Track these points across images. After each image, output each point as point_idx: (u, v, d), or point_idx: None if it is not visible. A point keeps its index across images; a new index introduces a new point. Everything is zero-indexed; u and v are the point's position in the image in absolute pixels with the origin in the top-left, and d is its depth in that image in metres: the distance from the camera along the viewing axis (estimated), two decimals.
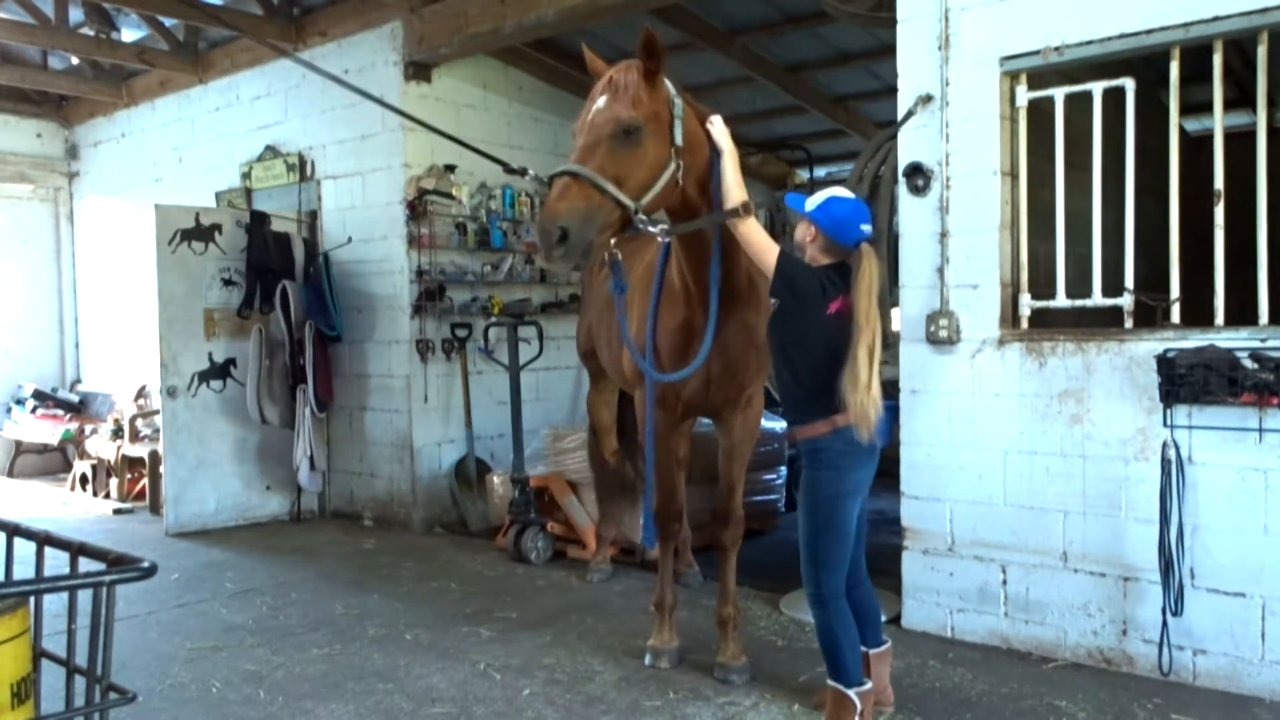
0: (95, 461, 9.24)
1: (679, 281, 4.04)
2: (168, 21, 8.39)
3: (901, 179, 4.86)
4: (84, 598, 1.78)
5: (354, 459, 7.94)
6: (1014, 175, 4.63)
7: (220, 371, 7.76)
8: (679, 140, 3.57)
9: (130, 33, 8.88)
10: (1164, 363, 4.00)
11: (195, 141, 9.26)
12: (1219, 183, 4.12)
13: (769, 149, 10.38)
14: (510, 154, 8.07)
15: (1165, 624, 4.09)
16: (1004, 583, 4.59)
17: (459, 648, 4.73)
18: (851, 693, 3.50)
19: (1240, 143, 4.25)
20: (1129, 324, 4.34)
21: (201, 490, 7.64)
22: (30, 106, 10.69)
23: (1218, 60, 4.12)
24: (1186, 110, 4.45)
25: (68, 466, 10.02)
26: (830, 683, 3.55)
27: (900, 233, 4.90)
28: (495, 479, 7.16)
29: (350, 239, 7.72)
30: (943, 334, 4.70)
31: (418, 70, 7.35)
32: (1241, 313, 4.15)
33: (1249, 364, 3.85)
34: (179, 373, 7.57)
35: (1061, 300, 4.56)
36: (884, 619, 4.51)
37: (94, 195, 10.75)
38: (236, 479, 7.83)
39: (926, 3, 4.74)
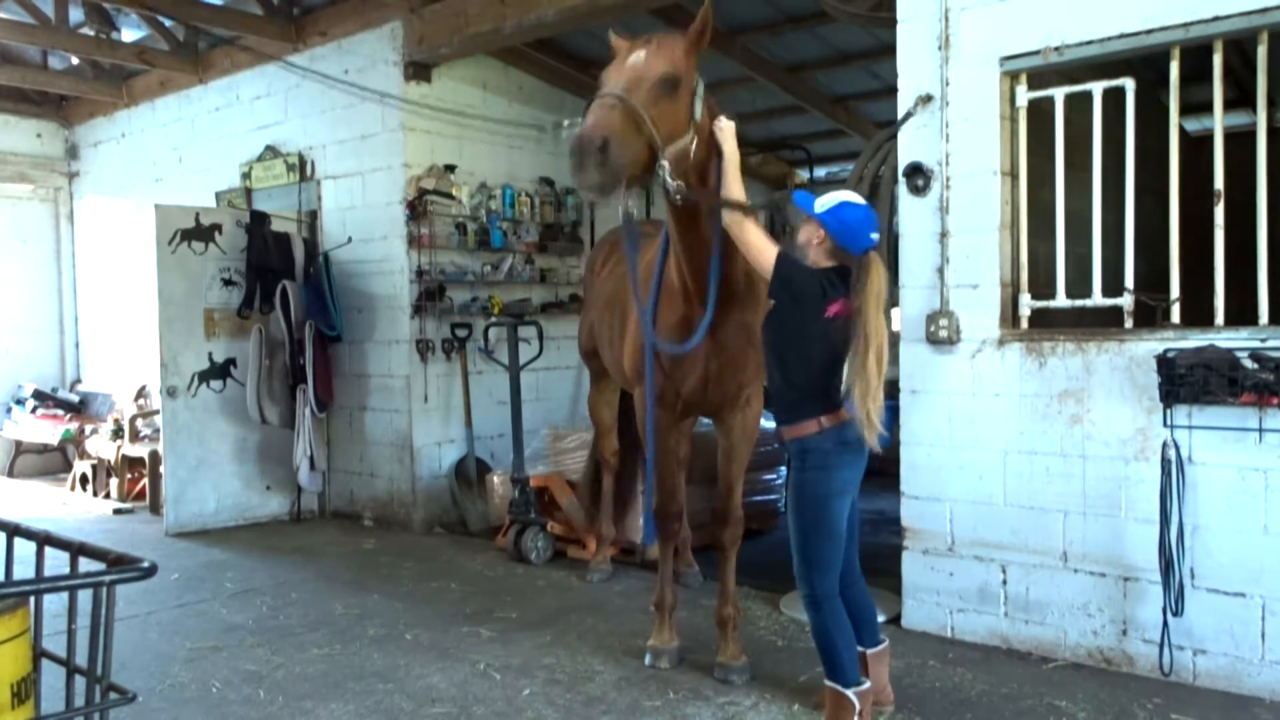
0: (95, 461, 9.24)
1: (678, 280, 4.05)
2: (168, 21, 8.38)
3: (901, 179, 4.86)
4: (84, 598, 1.78)
5: (354, 459, 7.94)
6: (1014, 175, 4.63)
7: (220, 371, 7.76)
8: (698, 116, 3.59)
9: (130, 33, 8.88)
10: (1164, 363, 4.00)
11: (195, 141, 9.26)
12: (1219, 183, 4.12)
13: (769, 149, 10.38)
14: (510, 154, 8.10)
15: (1165, 624, 4.09)
16: (1004, 583, 4.59)
17: (459, 648, 4.73)
18: (850, 692, 3.50)
19: (1240, 143, 4.24)
20: (1129, 324, 4.34)
21: (201, 490, 7.64)
22: (30, 106, 10.69)
23: (1218, 60, 4.11)
24: (1186, 110, 4.45)
25: (68, 466, 10.02)
26: (828, 683, 3.55)
27: (900, 233, 4.90)
28: (495, 479, 7.16)
29: (350, 239, 7.72)
30: (943, 334, 4.70)
31: (418, 70, 7.35)
32: (1241, 313, 4.15)
33: (1249, 364, 3.85)
34: (179, 373, 7.57)
35: (1061, 300, 4.55)
36: (883, 619, 4.53)
37: (94, 195, 10.75)
38: (236, 479, 7.83)
39: (926, 3, 4.74)
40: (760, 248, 3.52)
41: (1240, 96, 5.66)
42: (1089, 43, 4.31)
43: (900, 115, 4.85)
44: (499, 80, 8.02)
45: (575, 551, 6.47)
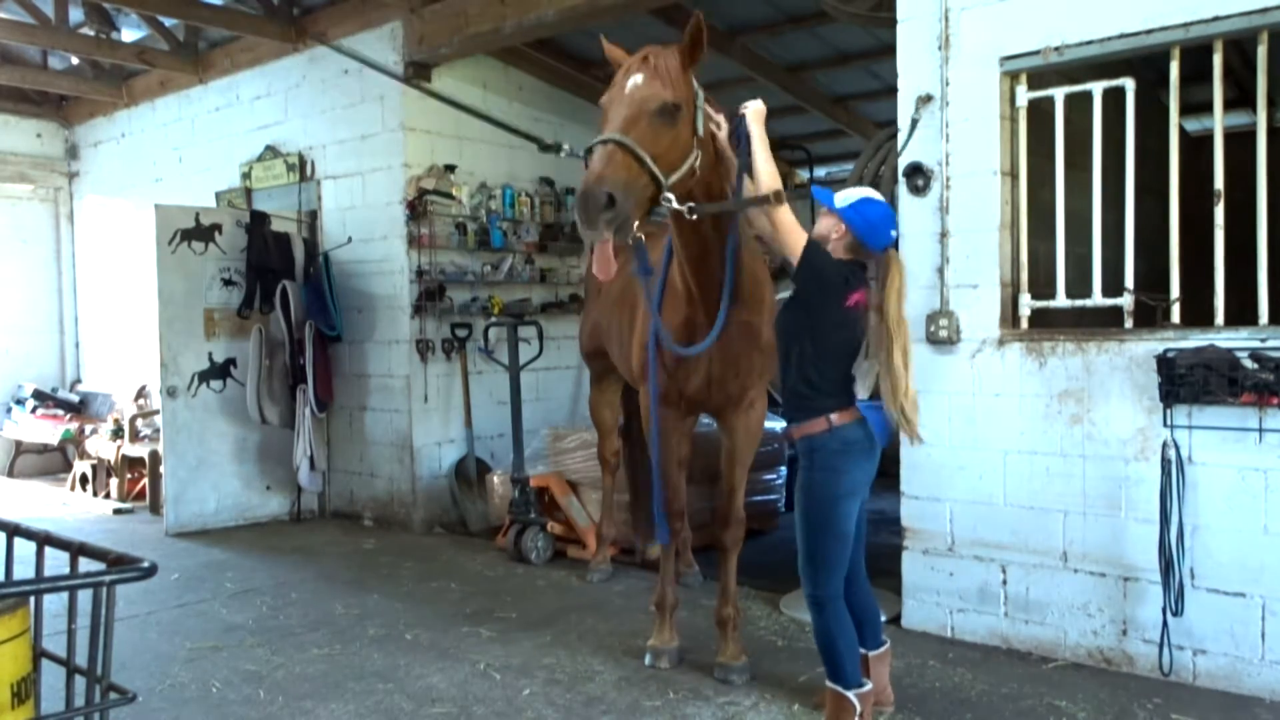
0: (95, 461, 9.24)
1: (681, 283, 4.05)
2: (168, 21, 8.38)
3: (901, 179, 4.86)
4: (84, 598, 1.78)
5: (354, 459, 7.94)
6: (1014, 175, 4.63)
7: (220, 371, 7.76)
8: (700, 131, 3.58)
9: (130, 33, 8.88)
10: (1164, 363, 4.00)
11: (195, 141, 9.26)
12: (1219, 183, 4.12)
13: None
14: (510, 154, 8.10)
15: (1165, 624, 4.09)
16: (1004, 583, 4.59)
17: (459, 648, 4.73)
18: (850, 694, 3.49)
19: (1240, 143, 4.24)
20: (1129, 324, 4.34)
21: (201, 490, 7.64)
22: (30, 106, 10.68)
23: (1218, 60, 4.11)
24: (1186, 110, 4.45)
25: (68, 466, 10.02)
26: (829, 684, 3.54)
27: (900, 233, 4.89)
28: (495, 479, 7.16)
29: (350, 239, 7.72)
30: (943, 334, 4.70)
31: (418, 70, 7.35)
32: (1241, 313, 4.15)
33: (1249, 364, 3.85)
34: (179, 373, 7.57)
35: (1061, 300, 4.55)
36: (884, 619, 4.51)
37: (94, 195, 10.75)
38: (236, 479, 7.83)
39: (926, 3, 4.75)
40: (792, 229, 3.47)
41: (1240, 96, 5.66)
42: (1089, 43, 4.31)
43: (900, 116, 4.85)
44: (499, 80, 8.02)
45: (575, 551, 6.47)
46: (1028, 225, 4.63)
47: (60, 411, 9.99)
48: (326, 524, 7.89)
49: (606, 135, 3.34)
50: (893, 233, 3.53)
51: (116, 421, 9.17)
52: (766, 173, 3.55)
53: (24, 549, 2.00)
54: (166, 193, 9.13)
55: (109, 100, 10.04)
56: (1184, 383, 3.94)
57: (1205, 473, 4.04)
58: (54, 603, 2.26)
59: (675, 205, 3.47)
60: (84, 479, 9.31)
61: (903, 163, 4.85)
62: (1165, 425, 4.08)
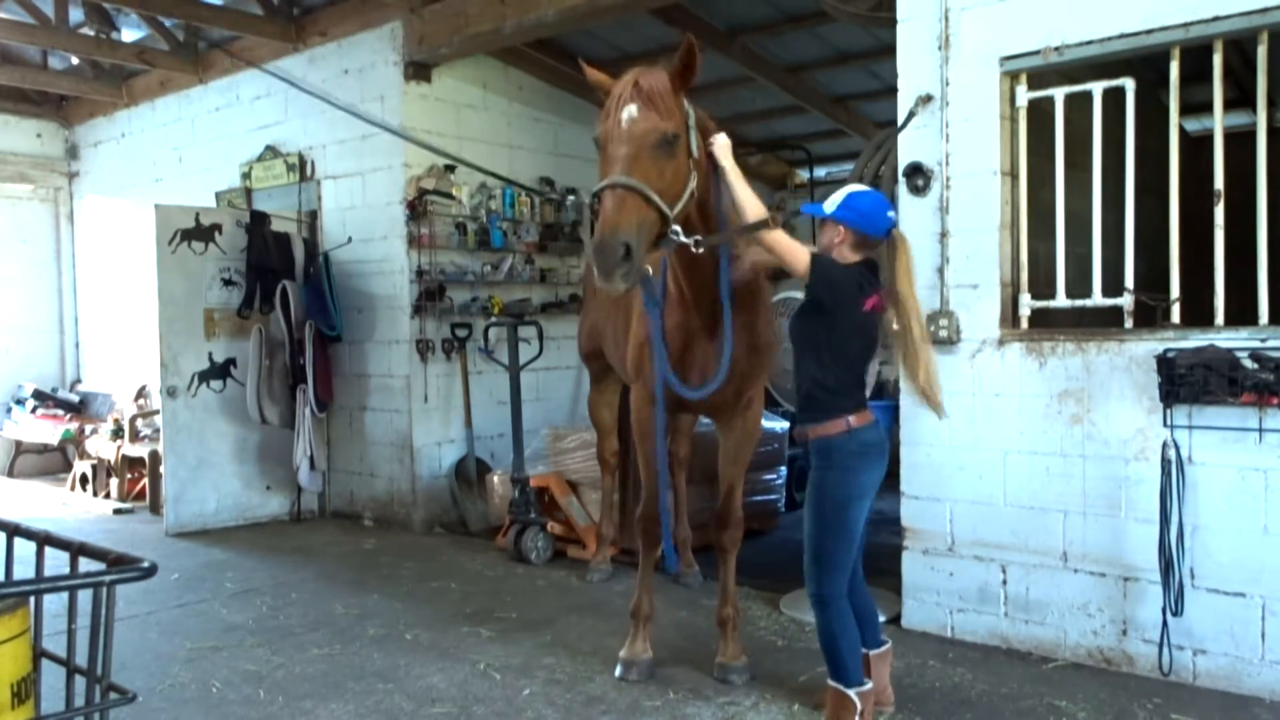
0: (95, 461, 9.24)
1: (675, 289, 4.06)
2: (168, 22, 8.38)
3: (901, 179, 4.86)
4: (84, 598, 1.78)
5: (354, 459, 7.94)
6: (1014, 175, 4.63)
7: (220, 371, 7.76)
8: (695, 152, 3.58)
9: (130, 33, 8.88)
10: (1164, 363, 4.00)
11: (195, 141, 9.26)
12: (1219, 183, 4.12)
13: (769, 149, 10.38)
14: (510, 154, 8.11)
15: (1165, 624, 4.09)
16: (1004, 583, 4.59)
17: (459, 648, 4.73)
18: (851, 693, 3.50)
19: (1240, 143, 4.24)
20: (1129, 324, 4.34)
21: (201, 490, 7.64)
22: (30, 106, 10.68)
23: (1218, 60, 4.11)
24: (1186, 110, 4.45)
25: (68, 466, 10.02)
26: (830, 683, 3.55)
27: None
28: (495, 479, 7.16)
29: (350, 239, 7.72)
30: (943, 334, 4.70)
31: (418, 70, 7.36)
32: (1241, 313, 4.15)
33: (1249, 364, 3.85)
34: (179, 373, 7.57)
35: (1061, 300, 4.55)
36: (884, 619, 4.52)
37: (94, 195, 10.75)
38: (236, 479, 7.83)
39: (926, 3, 4.75)
40: (791, 249, 3.51)
41: (1240, 96, 5.66)
42: (1089, 43, 4.31)
43: (900, 116, 4.85)
44: (499, 80, 8.02)
45: (575, 551, 6.47)
46: (1028, 225, 4.63)
47: (60, 411, 9.99)
48: (326, 524, 7.89)
49: (615, 179, 3.33)
50: (890, 214, 3.54)
51: (116, 421, 9.17)
52: (749, 203, 3.57)
53: (24, 549, 2.00)
54: (166, 193, 9.13)
55: (109, 100, 10.05)
56: (1184, 383, 3.94)
57: (1205, 473, 4.04)
58: (54, 603, 2.26)
59: (682, 238, 3.50)
60: (84, 479, 9.31)
61: (902, 163, 4.85)
62: (1165, 425, 4.08)
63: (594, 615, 5.23)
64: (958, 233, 4.69)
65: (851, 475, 3.48)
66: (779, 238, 3.51)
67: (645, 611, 4.39)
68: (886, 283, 3.48)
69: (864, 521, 3.60)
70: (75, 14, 8.37)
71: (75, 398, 10.32)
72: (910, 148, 4.83)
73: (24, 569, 1.91)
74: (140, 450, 8.70)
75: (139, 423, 9.03)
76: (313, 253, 7.87)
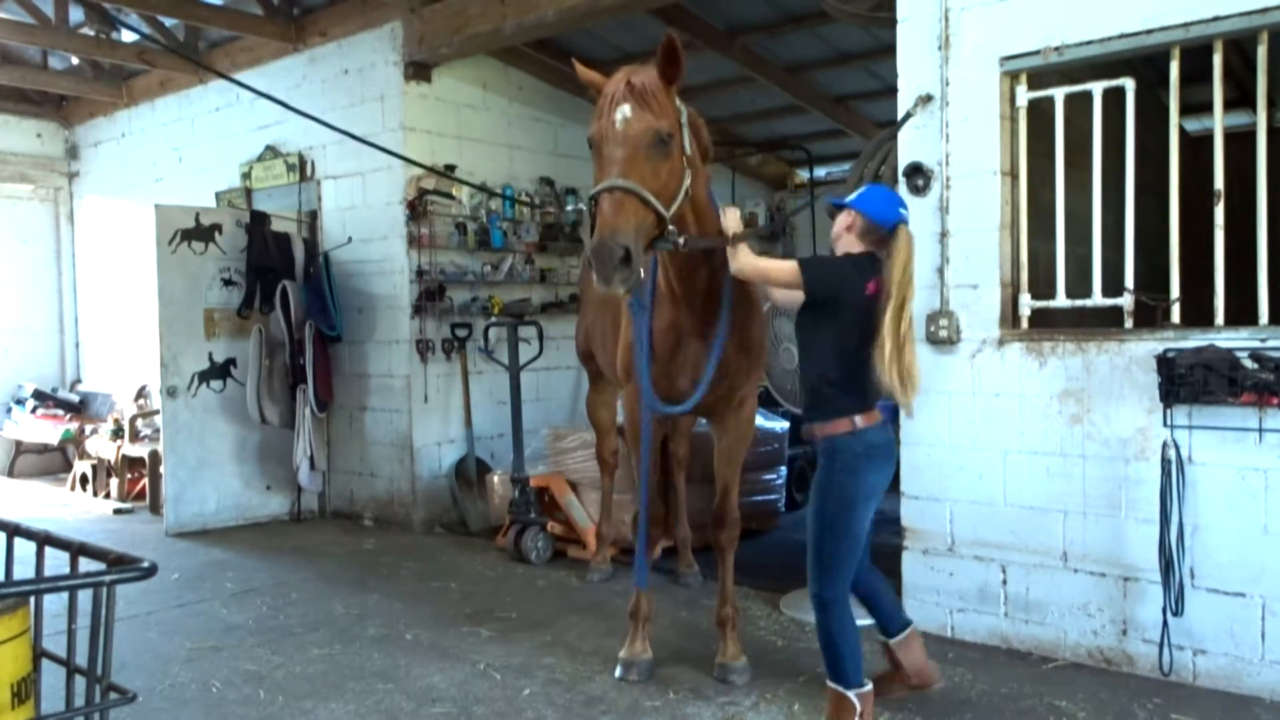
0: (95, 461, 9.24)
1: (665, 287, 4.07)
2: (168, 22, 8.38)
3: (901, 179, 4.86)
4: (84, 598, 1.78)
5: (354, 459, 7.94)
6: (1014, 175, 4.63)
7: (220, 371, 7.76)
8: (688, 149, 3.58)
9: (130, 33, 8.87)
10: (1164, 363, 4.00)
11: (195, 141, 9.26)
12: (1219, 183, 4.12)
13: (769, 149, 10.38)
14: (510, 154, 8.11)
15: (1165, 624, 4.09)
16: (1004, 583, 4.59)
17: (459, 648, 4.73)
18: (851, 694, 3.47)
19: (1240, 143, 4.24)
20: (1129, 324, 4.34)
21: (201, 490, 7.64)
22: (30, 106, 10.68)
23: (1218, 60, 4.11)
24: (1186, 110, 4.45)
25: (68, 466, 10.02)
26: (829, 684, 3.53)
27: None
28: (495, 479, 7.16)
29: (350, 239, 7.72)
30: (943, 334, 4.70)
31: (418, 70, 7.36)
32: (1241, 313, 4.15)
33: (1249, 364, 3.85)
34: (179, 373, 7.57)
35: (1061, 300, 4.55)
36: None
37: (94, 195, 10.75)
38: (236, 479, 7.83)
39: (926, 3, 4.74)
40: (779, 265, 3.65)
41: (1240, 96, 5.66)
42: (1089, 43, 4.31)
43: (900, 116, 4.85)
44: (499, 80, 8.02)
45: (575, 551, 6.47)
46: (1028, 225, 4.62)
47: (60, 411, 9.99)
48: (326, 524, 7.89)
49: (612, 182, 3.34)
50: (902, 210, 3.55)
51: (116, 421, 9.17)
52: (731, 220, 3.79)
53: (24, 549, 2.00)
54: (166, 193, 9.13)
55: (109, 100, 10.05)
56: (1184, 383, 3.94)
57: (1205, 473, 4.04)
58: (54, 603, 2.26)
59: (679, 240, 3.56)
60: (84, 479, 9.31)
61: (902, 163, 4.85)
62: (1165, 425, 4.08)
63: (594, 615, 5.23)
64: (958, 233, 4.69)
65: (856, 477, 3.43)
66: (765, 263, 3.69)
67: (644, 612, 4.38)
68: (885, 277, 3.48)
69: (869, 523, 3.56)
70: (75, 14, 8.37)
71: (75, 398, 10.32)
72: (910, 148, 4.83)
73: (24, 569, 1.91)
74: (140, 450, 8.70)
75: (139, 423, 9.03)
76: (313, 253, 7.87)
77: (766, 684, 4.19)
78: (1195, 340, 4.03)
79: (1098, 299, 4.45)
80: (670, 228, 3.48)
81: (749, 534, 6.57)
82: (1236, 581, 3.98)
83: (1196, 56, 4.25)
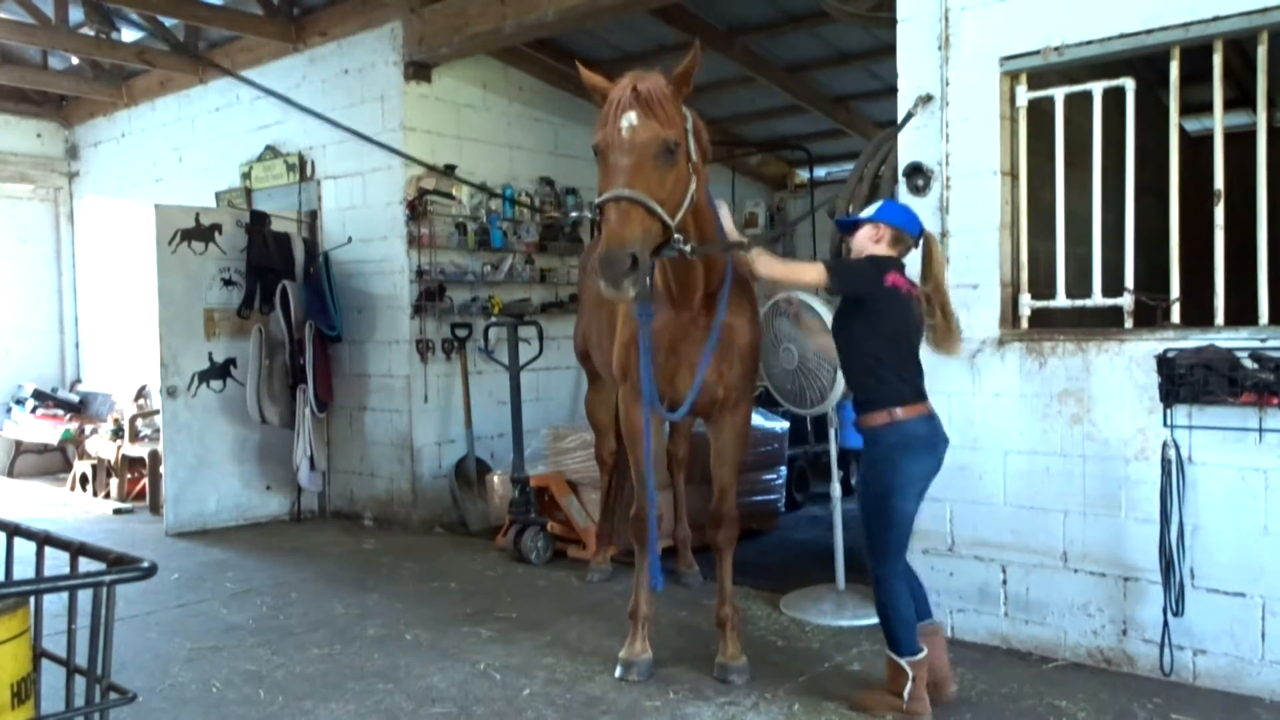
0: (95, 461, 9.24)
1: (663, 285, 4.07)
2: (168, 22, 8.38)
3: (901, 179, 4.86)
4: (84, 598, 1.78)
5: (354, 459, 7.94)
6: (1014, 175, 4.63)
7: (220, 371, 7.76)
8: (694, 156, 3.58)
9: (130, 33, 8.88)
10: (1164, 363, 4.00)
11: (195, 141, 9.26)
12: (1219, 183, 4.12)
13: (769, 149, 10.38)
14: (510, 154, 8.11)
15: (1166, 624, 4.09)
16: (1004, 583, 4.59)
17: (459, 648, 4.73)
18: (903, 661, 3.68)
19: (1240, 143, 4.24)
20: (1129, 324, 4.34)
21: (201, 490, 7.64)
22: (30, 106, 10.68)
23: (1218, 60, 4.11)
24: (1186, 110, 4.45)
25: (68, 466, 10.02)
26: (888, 653, 3.77)
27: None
28: (495, 479, 7.15)
29: (350, 239, 7.72)
30: None
31: (418, 70, 7.36)
32: (1241, 313, 4.15)
33: (1249, 364, 3.85)
34: (179, 373, 7.56)
35: (1061, 300, 4.55)
36: None
37: (94, 195, 10.75)
38: (236, 479, 7.83)
39: (926, 3, 4.74)
40: (803, 268, 3.90)
41: (1240, 96, 5.66)
42: (1089, 43, 4.31)
43: (900, 116, 4.85)
44: (499, 80, 8.02)
45: (575, 551, 6.47)
46: (1028, 225, 4.62)
47: (60, 411, 9.99)
48: (326, 524, 7.89)
49: (619, 192, 3.35)
50: (918, 218, 3.92)
51: (116, 421, 9.17)
52: (728, 221, 4.04)
53: (24, 549, 2.00)
54: (166, 193, 9.13)
55: (109, 100, 10.04)
56: (1184, 383, 3.94)
57: (1205, 473, 4.04)
58: (54, 603, 2.26)
59: (684, 248, 3.60)
60: (84, 479, 9.31)
61: (902, 163, 4.85)
62: (1165, 425, 4.08)
63: (594, 615, 5.23)
64: (958, 233, 4.69)
65: (892, 465, 3.64)
66: (789, 267, 3.92)
67: (644, 612, 4.38)
68: (924, 275, 3.83)
69: (915, 509, 3.76)
70: (75, 14, 8.37)
71: (75, 398, 10.32)
72: (910, 148, 4.83)
73: (24, 569, 1.91)
74: (140, 450, 8.70)
75: (139, 423, 9.03)
76: (313, 253, 7.87)
77: (766, 684, 4.19)
78: (1195, 340, 4.03)
79: (1098, 299, 4.45)
80: (676, 235, 3.50)
81: (749, 534, 6.57)
82: (1237, 581, 3.98)
83: (1196, 56, 4.25)
